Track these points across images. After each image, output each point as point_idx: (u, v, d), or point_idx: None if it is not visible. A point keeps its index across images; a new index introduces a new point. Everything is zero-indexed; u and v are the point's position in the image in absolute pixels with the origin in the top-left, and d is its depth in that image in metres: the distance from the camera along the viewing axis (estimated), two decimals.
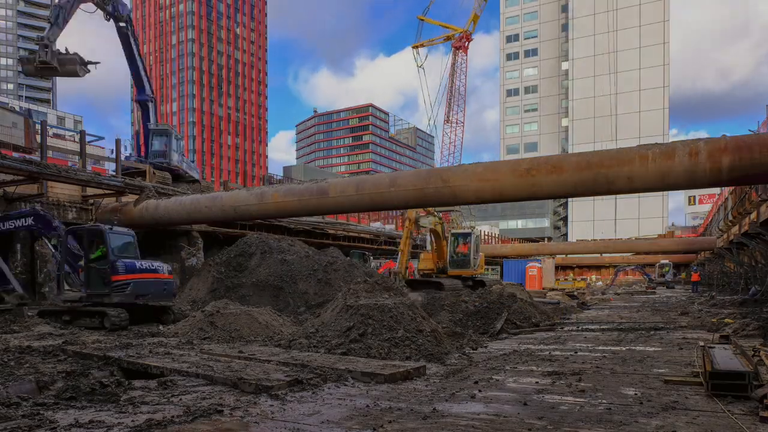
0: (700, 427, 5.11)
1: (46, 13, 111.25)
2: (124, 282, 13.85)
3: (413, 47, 58.36)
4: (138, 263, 14.37)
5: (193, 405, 5.92)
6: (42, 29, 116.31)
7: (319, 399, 6.32)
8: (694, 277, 38.56)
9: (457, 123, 56.40)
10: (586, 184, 13.06)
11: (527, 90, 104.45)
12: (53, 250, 14.97)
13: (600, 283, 55.75)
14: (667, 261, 52.04)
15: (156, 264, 14.93)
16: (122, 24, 27.63)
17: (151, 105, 29.94)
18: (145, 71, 29.59)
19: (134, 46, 28.51)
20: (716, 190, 42.32)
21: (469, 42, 56.97)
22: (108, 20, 27.33)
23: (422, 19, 57.16)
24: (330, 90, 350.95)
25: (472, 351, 10.45)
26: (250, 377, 6.99)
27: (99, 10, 26.52)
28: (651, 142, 14.06)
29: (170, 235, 23.14)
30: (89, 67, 25.80)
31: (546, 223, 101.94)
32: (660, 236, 62.99)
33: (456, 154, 55.89)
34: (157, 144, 28.71)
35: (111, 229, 14.68)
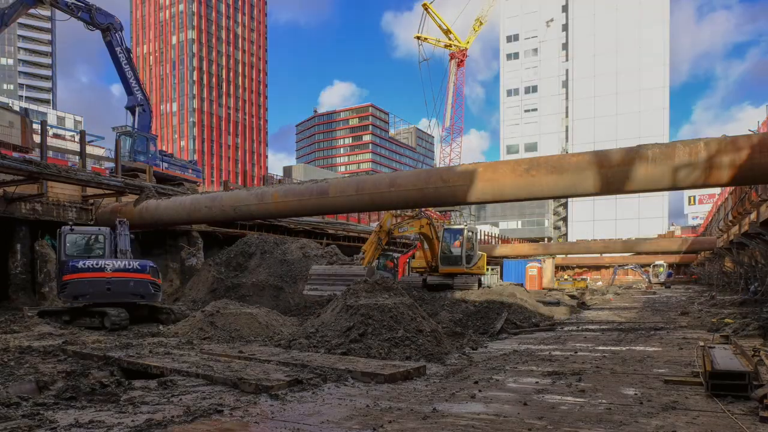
0: (700, 427, 5.11)
1: (46, 13, 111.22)
2: (65, 282, 13.74)
3: (416, 37, 58.43)
4: (82, 262, 13.76)
5: (193, 405, 5.92)
6: (42, 29, 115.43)
7: (319, 399, 6.32)
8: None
9: (453, 129, 56.71)
10: (586, 184, 13.05)
11: (527, 90, 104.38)
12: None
13: (600, 283, 55.78)
14: (661, 262, 52.36)
15: (111, 262, 13.91)
16: (105, 32, 27.45)
17: (138, 110, 29.90)
18: (136, 78, 29.49)
19: (122, 55, 28.35)
20: (716, 190, 42.35)
21: (465, 58, 57.77)
22: (92, 30, 27.27)
23: (427, 8, 56.97)
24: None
25: (472, 351, 10.45)
26: (250, 377, 6.99)
27: (72, 17, 26.38)
28: (651, 142, 14.05)
29: (170, 235, 23.15)
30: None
31: (546, 223, 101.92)
32: (660, 236, 63.01)
33: (456, 160, 56.13)
34: (127, 145, 28.97)
35: (71, 229, 14.71)
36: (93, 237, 14.81)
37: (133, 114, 30.29)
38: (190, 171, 33.23)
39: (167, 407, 5.87)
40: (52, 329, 12.91)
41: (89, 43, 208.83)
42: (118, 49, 28.24)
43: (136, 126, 30.08)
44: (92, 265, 13.79)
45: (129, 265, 14.02)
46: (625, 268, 53.31)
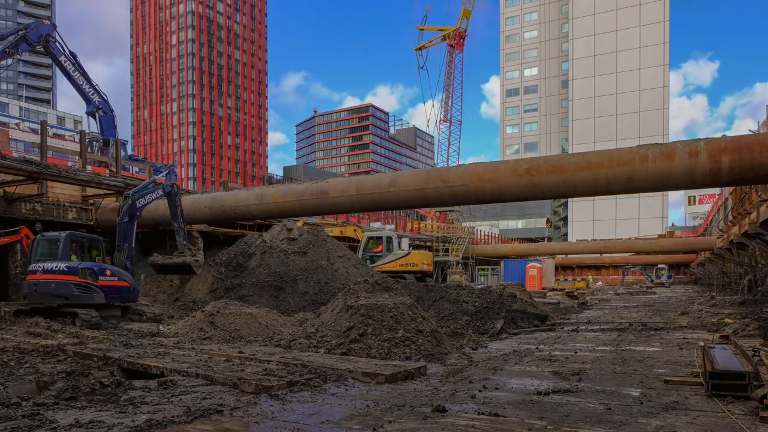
0: (700, 427, 5.11)
1: (46, 13, 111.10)
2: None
3: (416, 49, 58.61)
4: (32, 266, 14.54)
5: (193, 405, 5.92)
6: None
7: (319, 399, 6.32)
8: None
9: (451, 121, 56.32)
10: (586, 184, 13.05)
11: (527, 90, 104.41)
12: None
13: (600, 283, 55.87)
14: (663, 265, 53.49)
15: (44, 265, 14.27)
16: (45, 45, 25.74)
17: (99, 115, 28.86)
18: (89, 82, 28.00)
19: (67, 63, 26.56)
20: (716, 190, 42.36)
21: (463, 39, 56.68)
22: (40, 51, 26.23)
23: (422, 29, 57.64)
24: None
25: (472, 351, 10.45)
26: (250, 377, 6.99)
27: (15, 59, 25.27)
28: (651, 142, 14.05)
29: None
30: None
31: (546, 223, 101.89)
32: (660, 236, 62.97)
33: (453, 155, 55.85)
34: (95, 152, 28.73)
35: (42, 235, 15.33)
36: (52, 241, 14.86)
37: (95, 119, 29.05)
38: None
39: (167, 407, 5.87)
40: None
41: (89, 43, 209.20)
42: (62, 58, 26.24)
43: (99, 131, 29.09)
44: (33, 267, 14.33)
45: (56, 267, 14.14)
46: (633, 269, 54.11)
